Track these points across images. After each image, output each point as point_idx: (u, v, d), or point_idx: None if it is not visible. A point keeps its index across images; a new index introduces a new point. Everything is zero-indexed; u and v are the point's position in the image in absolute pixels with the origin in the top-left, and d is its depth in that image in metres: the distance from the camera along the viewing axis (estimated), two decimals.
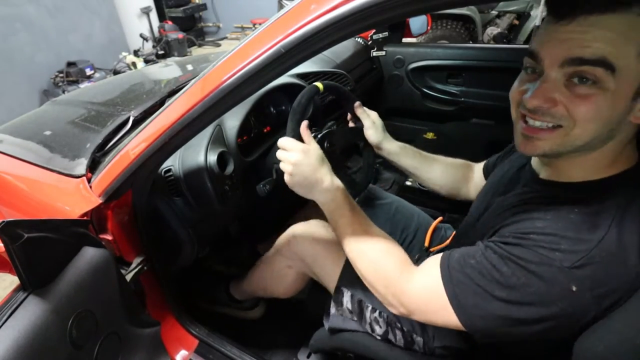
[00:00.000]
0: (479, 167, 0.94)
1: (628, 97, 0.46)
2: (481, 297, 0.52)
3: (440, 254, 0.60)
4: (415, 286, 0.60)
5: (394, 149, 0.94)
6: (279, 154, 0.72)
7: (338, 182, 0.72)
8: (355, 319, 0.82)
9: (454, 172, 0.95)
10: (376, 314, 0.80)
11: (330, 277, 0.88)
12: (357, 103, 0.93)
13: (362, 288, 0.81)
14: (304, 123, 0.74)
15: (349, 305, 0.83)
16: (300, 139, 0.74)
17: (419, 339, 0.78)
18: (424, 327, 0.78)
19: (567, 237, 0.47)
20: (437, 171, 0.94)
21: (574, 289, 0.46)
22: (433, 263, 0.59)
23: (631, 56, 0.43)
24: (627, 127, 0.49)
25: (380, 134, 0.93)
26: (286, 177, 0.71)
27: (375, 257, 0.65)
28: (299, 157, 0.68)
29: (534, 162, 0.64)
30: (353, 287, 0.83)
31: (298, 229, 0.95)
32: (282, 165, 0.71)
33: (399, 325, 0.79)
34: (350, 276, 0.83)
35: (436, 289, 0.56)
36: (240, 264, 1.26)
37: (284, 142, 0.72)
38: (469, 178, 0.95)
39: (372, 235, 0.68)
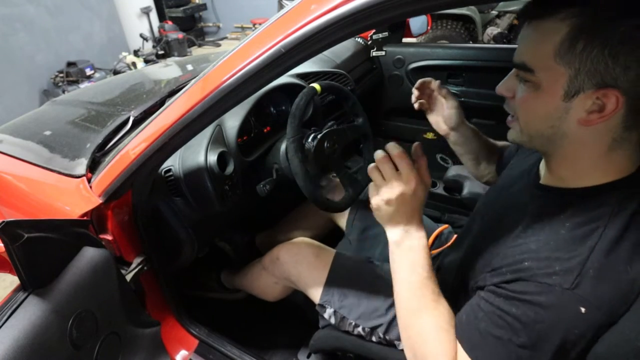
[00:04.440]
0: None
1: (557, 96, 0.48)
2: (504, 347, 0.49)
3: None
4: None
5: (468, 132, 0.87)
6: (374, 177, 0.61)
7: (423, 235, 0.60)
8: (340, 329, 0.87)
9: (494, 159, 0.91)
10: (359, 329, 0.84)
11: (314, 294, 0.92)
12: (437, 82, 0.84)
13: (342, 306, 0.86)
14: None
15: (333, 320, 0.87)
16: (301, 141, 0.73)
17: (402, 345, 0.78)
18: None
19: (560, 259, 0.47)
20: (492, 159, 0.90)
21: (583, 310, 0.45)
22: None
23: (549, 57, 0.47)
24: (583, 131, 0.49)
25: (462, 114, 0.85)
26: (377, 205, 0.60)
27: (426, 338, 0.57)
28: (407, 190, 0.57)
29: (542, 164, 0.64)
30: (334, 304, 0.87)
31: (282, 250, 0.98)
32: (374, 190, 0.61)
33: (381, 335, 0.82)
34: (331, 295, 0.88)
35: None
36: (237, 250, 1.31)
37: (385, 170, 0.59)
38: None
39: (435, 311, 0.57)
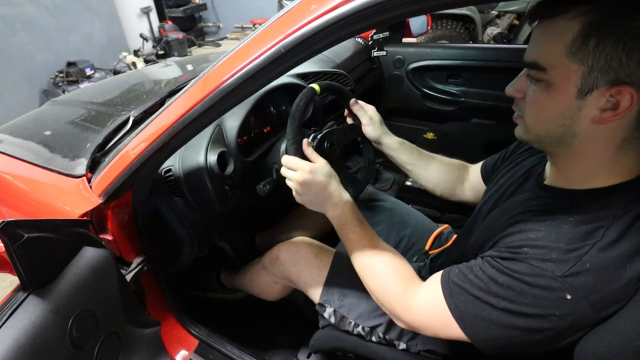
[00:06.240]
0: (475, 168, 0.94)
1: (570, 94, 0.48)
2: (481, 308, 0.53)
3: (441, 271, 0.61)
4: (419, 303, 0.61)
5: (392, 144, 0.94)
6: (285, 172, 0.73)
7: (347, 196, 0.73)
8: (340, 328, 0.87)
9: (451, 172, 0.95)
10: (359, 329, 0.84)
11: (314, 293, 0.92)
12: (353, 100, 0.92)
13: (342, 305, 0.86)
14: (305, 141, 0.75)
15: (332, 319, 0.87)
16: (301, 142, 0.74)
17: (402, 345, 0.81)
18: (405, 334, 0.81)
19: (559, 249, 0.48)
20: (433, 169, 0.95)
21: (569, 297, 0.47)
22: (435, 279, 0.61)
23: (561, 55, 0.47)
24: (595, 130, 0.49)
25: (379, 129, 0.93)
26: (295, 196, 0.73)
27: (382, 274, 0.67)
28: (306, 177, 0.69)
29: (547, 165, 0.64)
30: (334, 304, 0.87)
31: (282, 250, 0.98)
32: (289, 183, 0.72)
33: (381, 335, 0.82)
34: (331, 294, 0.88)
35: (439, 304, 0.57)
36: (237, 250, 1.30)
37: (289, 161, 0.72)
38: (464, 179, 0.95)
39: (380, 251, 0.69)
